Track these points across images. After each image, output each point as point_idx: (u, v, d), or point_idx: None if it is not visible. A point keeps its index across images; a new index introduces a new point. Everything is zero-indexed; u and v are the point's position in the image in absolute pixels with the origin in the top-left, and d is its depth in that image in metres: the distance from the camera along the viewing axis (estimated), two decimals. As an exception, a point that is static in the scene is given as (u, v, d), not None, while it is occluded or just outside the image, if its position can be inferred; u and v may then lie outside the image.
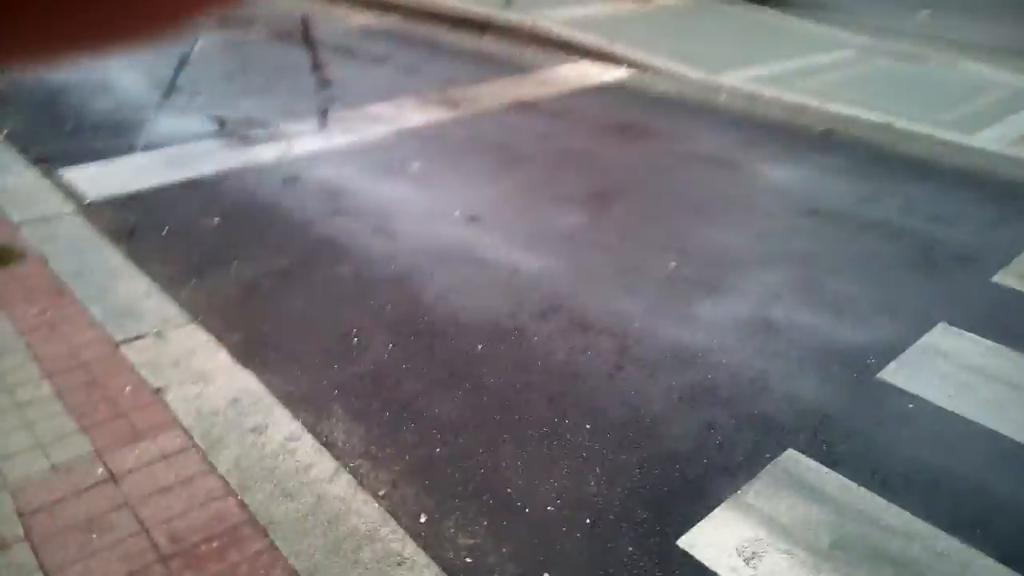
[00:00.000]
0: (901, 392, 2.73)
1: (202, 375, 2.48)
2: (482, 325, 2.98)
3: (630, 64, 6.46)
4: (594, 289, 3.26)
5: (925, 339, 3.02)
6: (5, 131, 4.68)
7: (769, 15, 8.48)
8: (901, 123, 5.29)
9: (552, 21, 7.38)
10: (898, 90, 6.05)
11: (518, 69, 6.48)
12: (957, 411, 2.64)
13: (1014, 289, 3.45)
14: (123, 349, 2.56)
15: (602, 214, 4.04)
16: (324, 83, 6.01)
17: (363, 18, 8.44)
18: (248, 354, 2.70)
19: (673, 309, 3.15)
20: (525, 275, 3.35)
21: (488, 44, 7.33)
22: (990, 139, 5.12)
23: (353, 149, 4.72)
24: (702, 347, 2.91)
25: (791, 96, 5.73)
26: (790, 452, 2.41)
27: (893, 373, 2.83)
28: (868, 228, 3.93)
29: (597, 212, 4.05)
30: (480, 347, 2.85)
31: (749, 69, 6.36)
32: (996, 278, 3.52)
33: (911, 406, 2.67)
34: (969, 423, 2.59)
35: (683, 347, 2.91)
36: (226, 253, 3.46)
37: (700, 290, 3.29)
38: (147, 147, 4.66)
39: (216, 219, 3.78)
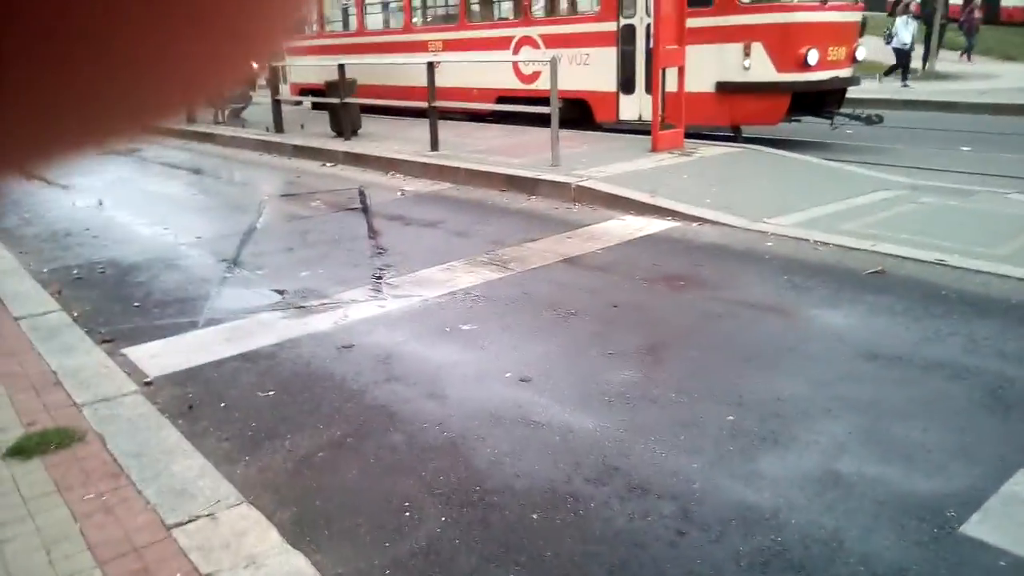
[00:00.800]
0: (989, 548, 2.54)
1: (252, 558, 2.44)
2: (537, 492, 2.91)
3: (674, 215, 6.59)
4: (651, 448, 3.18)
5: (1007, 487, 2.84)
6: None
7: (809, 160, 8.64)
8: (954, 259, 5.22)
9: (596, 178, 7.64)
10: (948, 226, 6.01)
11: (565, 226, 6.65)
12: (1054, 569, 2.43)
13: (1099, 429, 3.25)
14: (175, 532, 2.55)
15: (655, 368, 4.00)
16: (379, 251, 6.26)
17: (416, 185, 8.87)
18: (300, 533, 2.67)
19: (734, 466, 3.04)
20: (579, 436, 3.29)
21: (536, 204, 7.60)
22: (1050, 271, 5.00)
23: (405, 314, 4.83)
24: (768, 507, 2.78)
25: (838, 238, 5.74)
26: (873, 624, 2.23)
27: (977, 526, 2.64)
28: (932, 370, 3.80)
29: (649, 366, 4.02)
30: (535, 516, 2.77)
31: (794, 214, 6.42)
32: (1077, 418, 3.34)
33: (1002, 564, 2.48)
34: (1070, 583, 2.38)
35: (748, 507, 2.78)
36: (280, 425, 3.50)
37: (761, 444, 3.18)
38: (209, 322, 4.84)
39: (271, 391, 3.85)
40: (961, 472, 2.95)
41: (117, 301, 5.33)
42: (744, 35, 9.59)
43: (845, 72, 10.26)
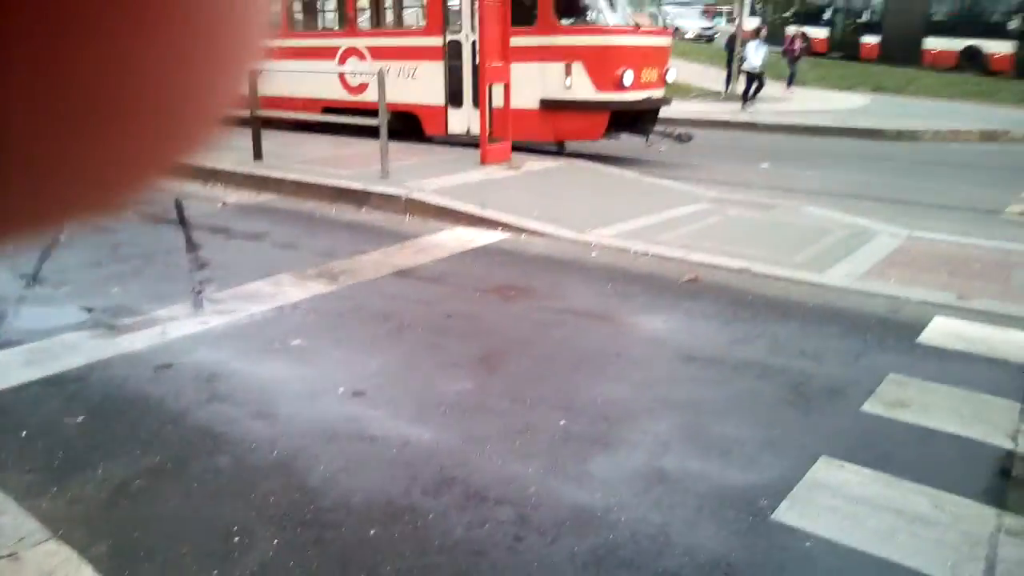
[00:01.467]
0: (797, 532, 2.76)
1: (63, 598, 2.24)
2: (374, 507, 2.86)
3: (504, 227, 6.72)
4: (487, 456, 3.21)
5: (810, 475, 3.11)
6: None
7: (627, 175, 9.10)
8: (758, 267, 5.67)
9: (427, 191, 7.65)
10: (752, 236, 6.52)
11: (396, 238, 6.61)
12: (852, 544, 2.68)
13: (882, 416, 3.63)
14: (-30, 578, 2.29)
15: (488, 378, 4.05)
16: (198, 264, 5.93)
17: (239, 195, 8.50)
18: (118, 567, 2.47)
19: (568, 469, 3.13)
20: (416, 448, 3.27)
21: (366, 216, 7.50)
22: (840, 276, 5.54)
23: (229, 330, 4.61)
24: (600, 506, 2.88)
25: (656, 248, 6.08)
26: (698, 610, 2.37)
27: (786, 512, 2.87)
28: (742, 369, 4.10)
29: (483, 376, 4.06)
30: (373, 531, 2.72)
31: (616, 225, 6.73)
32: (865, 407, 3.71)
33: (808, 544, 2.71)
34: (864, 556, 2.63)
35: (581, 508, 2.87)
36: (92, 454, 3.23)
37: (592, 447, 3.30)
38: (5, 344, 4.39)
39: (81, 417, 3.54)
40: (771, 463, 3.20)
41: None
42: (565, 55, 9.96)
43: (658, 93, 10.90)
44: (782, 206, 7.63)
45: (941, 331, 4.65)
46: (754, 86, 17.85)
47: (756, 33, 18.54)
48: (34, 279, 5.62)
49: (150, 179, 0.27)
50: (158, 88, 0.24)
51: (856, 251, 6.13)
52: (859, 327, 4.71)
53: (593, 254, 6.10)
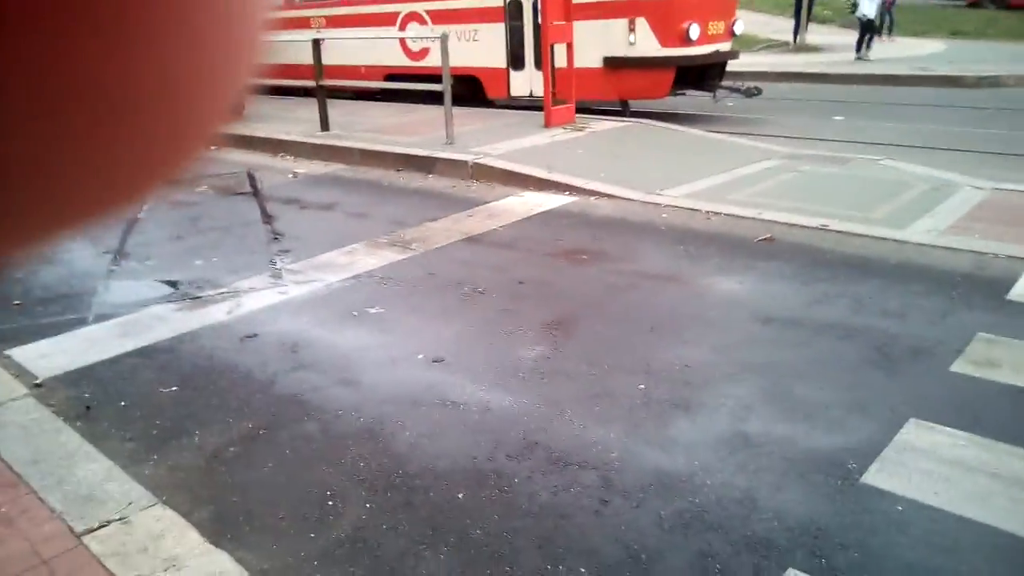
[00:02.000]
0: (887, 495, 2.72)
1: (173, 560, 2.35)
2: (460, 472, 2.92)
3: (572, 190, 6.68)
4: (568, 421, 3.24)
5: (899, 437, 3.05)
6: None
7: (695, 132, 8.92)
8: (835, 224, 5.52)
9: (492, 156, 7.64)
10: (827, 193, 6.34)
11: (465, 204, 6.64)
12: (945, 508, 2.63)
13: (973, 376, 3.53)
14: (86, 540, 2.42)
15: (564, 342, 4.07)
16: (274, 236, 6.07)
17: (308, 167, 8.64)
18: (220, 531, 2.58)
19: (649, 434, 3.13)
20: (497, 414, 3.31)
21: (434, 183, 7.54)
22: (921, 231, 5.36)
23: (309, 299, 4.72)
24: (684, 471, 2.88)
25: (728, 208, 5.96)
26: (791, 572, 2.36)
27: (876, 475, 2.83)
28: (823, 331, 4.02)
29: (559, 340, 4.08)
30: (460, 495, 2.78)
31: (685, 186, 6.62)
32: (954, 367, 3.60)
33: (900, 508, 2.66)
34: (959, 519, 2.58)
35: (665, 473, 2.87)
36: (187, 422, 3.37)
37: (673, 411, 3.29)
38: (99, 318, 4.58)
39: (174, 387, 3.69)
40: (858, 426, 3.14)
41: (-9, 301, 4.98)
42: (628, 11, 9.76)
43: (725, 46, 10.61)
44: (858, 160, 7.39)
45: (1032, 287, 4.47)
46: (868, 35, 17.08)
47: None
48: (119, 254, 5.83)
49: (162, 178, 0.26)
50: (165, 84, 0.23)
51: (938, 205, 5.91)
52: (944, 284, 4.56)
53: (663, 215, 6.02)
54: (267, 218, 6.64)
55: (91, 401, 3.56)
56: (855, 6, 17.36)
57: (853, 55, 17.09)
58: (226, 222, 6.57)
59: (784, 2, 21.77)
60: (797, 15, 19.41)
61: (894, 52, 17.79)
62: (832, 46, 19.32)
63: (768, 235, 5.45)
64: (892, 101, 12.23)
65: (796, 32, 19.43)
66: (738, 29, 10.89)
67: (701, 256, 5.20)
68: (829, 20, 23.25)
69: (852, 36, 21.31)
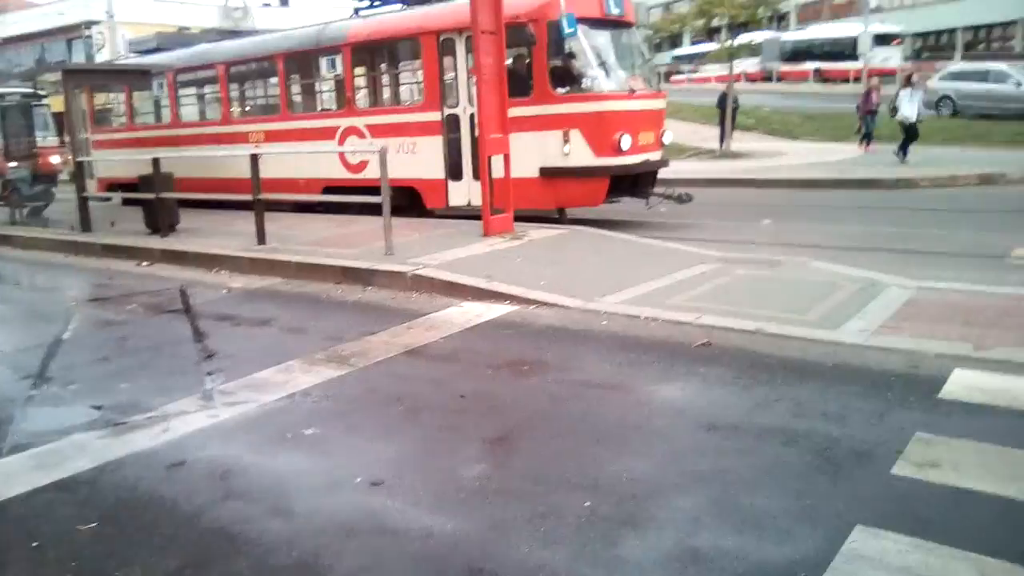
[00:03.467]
0: (840, 611, 2.65)
1: None
2: (400, 607, 2.75)
3: (512, 300, 6.70)
4: (513, 544, 3.11)
5: (847, 546, 3.00)
6: None
7: (631, 239, 9.12)
8: (771, 327, 5.61)
9: (432, 266, 7.66)
10: (761, 295, 6.48)
11: (404, 317, 6.58)
12: (899, 623, 2.57)
13: (914, 478, 3.53)
14: None
15: (508, 458, 3.97)
16: (206, 355, 5.89)
17: (244, 281, 8.52)
18: None
19: (597, 554, 3.02)
20: (439, 540, 3.17)
21: (373, 295, 7.49)
22: (854, 332, 5.48)
23: (241, 422, 4.54)
24: (634, 594, 2.77)
25: (667, 313, 6.03)
26: None
27: (827, 589, 2.76)
28: (766, 436, 4.01)
29: (502, 457, 3.97)
30: (401, 634, 2.61)
31: (623, 292, 6.70)
32: (895, 470, 3.60)
33: (853, 624, 2.59)
34: (914, 636, 2.51)
35: (615, 597, 2.75)
36: (107, 562, 3.13)
37: (620, 528, 3.20)
38: (14, 449, 4.33)
39: (94, 523, 3.45)
40: (806, 535, 3.09)
41: None
42: (562, 123, 10.10)
43: (656, 155, 11.02)
44: (788, 262, 7.61)
45: (962, 384, 4.56)
46: (909, 139, 16.80)
47: (908, 81, 17.73)
48: (41, 378, 5.58)
49: None
50: None
51: (867, 305, 6.07)
52: (879, 385, 4.62)
53: (603, 322, 6.05)
54: (199, 336, 6.46)
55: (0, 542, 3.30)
56: (895, 109, 17.22)
57: (763, 162, 17.77)
58: (156, 341, 6.37)
59: (709, 112, 22.86)
60: (722, 124, 20.38)
61: (814, 157, 18.72)
62: (755, 152, 20.27)
63: (707, 340, 5.50)
64: (814, 204, 12.78)
65: (722, 140, 20.36)
66: (667, 139, 11.36)
67: (642, 363, 5.20)
68: (752, 128, 24.46)
69: (774, 143, 22.42)
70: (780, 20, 51.99)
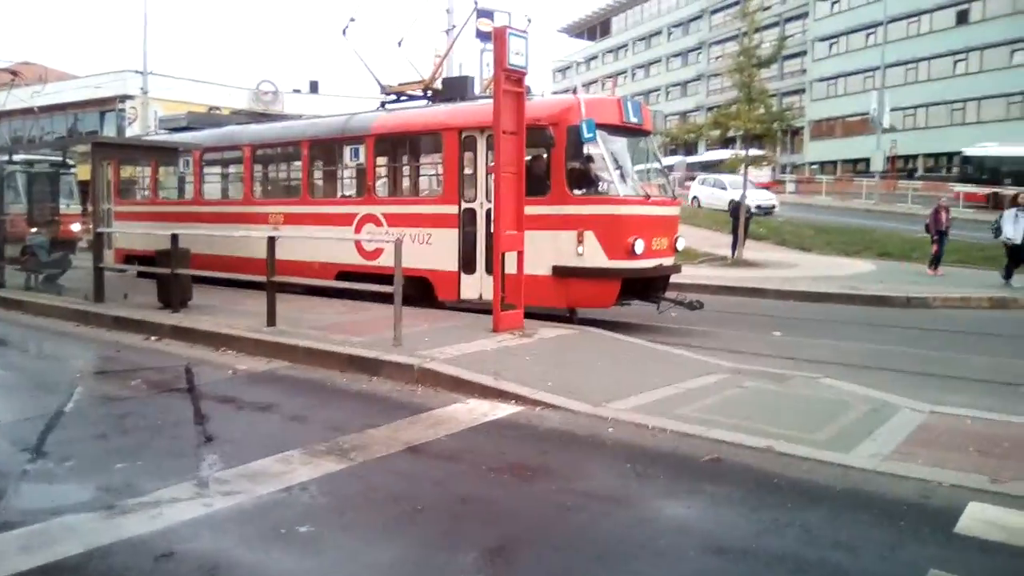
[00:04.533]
0: None
1: None
2: None
3: (518, 400, 6.62)
4: (507, 669, 2.96)
5: None
6: None
7: (641, 343, 9.08)
8: (781, 446, 5.50)
9: (439, 360, 7.61)
10: (771, 411, 6.38)
11: (409, 410, 6.50)
12: None
13: (930, 621, 3.38)
14: None
15: (506, 571, 3.83)
16: (206, 438, 5.81)
17: (250, 363, 8.47)
18: None
19: None
20: (430, 658, 3.02)
21: (378, 386, 7.42)
22: (865, 456, 5.36)
23: (235, 514, 4.42)
24: None
25: (675, 424, 5.93)
26: None
27: None
28: (775, 564, 3.87)
29: (501, 568, 3.84)
30: None
31: (632, 398, 6.62)
32: (910, 610, 3.46)
33: None
34: None
35: None
36: (81, 661, 2.99)
37: (620, 658, 3.05)
38: (3, 526, 4.21)
39: (73, 616, 3.32)
40: None
41: None
42: (578, 224, 10.22)
43: (668, 260, 11.09)
44: (798, 377, 7.53)
45: (978, 519, 4.42)
46: (1015, 262, 16.35)
47: (1014, 201, 17.30)
48: (38, 453, 5.49)
49: None
50: None
51: (879, 428, 5.97)
52: (892, 514, 4.48)
53: (610, 430, 5.95)
54: (200, 418, 6.38)
55: (-27, 633, 3.17)
56: (998, 230, 16.84)
57: (777, 272, 17.72)
58: (156, 421, 6.29)
59: (722, 219, 23.19)
60: (735, 232, 20.59)
61: (826, 269, 18.82)
62: (767, 262, 20.40)
63: (715, 455, 5.39)
64: (825, 318, 12.76)
65: (734, 248, 20.53)
66: (680, 245, 11.45)
67: (649, 476, 5.08)
68: (764, 238, 24.72)
69: (786, 253, 22.60)
70: (794, 135, 53.38)
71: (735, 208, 20.93)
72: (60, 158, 16.90)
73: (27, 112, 29.28)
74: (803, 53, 59.27)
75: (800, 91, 59.84)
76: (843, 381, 7.39)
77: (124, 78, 36.81)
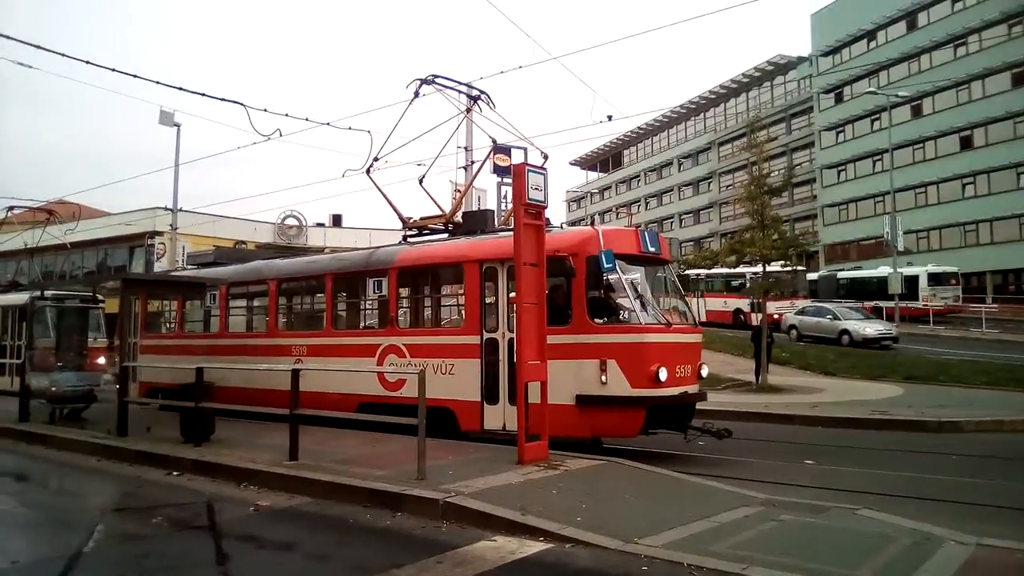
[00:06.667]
0: None
1: None
2: None
3: (547, 536, 6.42)
4: None
5: None
6: None
7: (671, 475, 8.86)
8: (824, 584, 5.26)
9: (464, 494, 7.45)
10: (811, 546, 6.13)
11: (434, 548, 6.30)
12: None
13: None
14: None
15: None
16: (227, 581, 5.64)
17: (272, 498, 8.34)
18: None
19: None
20: None
21: (402, 522, 7.24)
22: (914, 596, 5.10)
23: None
24: None
25: (712, 562, 5.69)
26: None
27: None
28: None
29: None
30: None
31: (664, 534, 6.39)
32: None
33: None
34: None
35: None
36: None
37: None
38: None
39: None
40: None
41: None
42: (600, 353, 10.21)
43: (693, 388, 10.97)
44: (836, 509, 7.28)
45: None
46: None
47: None
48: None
49: None
50: None
51: (924, 564, 5.71)
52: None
53: (644, 568, 5.72)
54: (220, 559, 6.22)
55: None
56: None
57: (804, 397, 17.30)
58: (176, 562, 6.13)
59: (743, 343, 23.09)
60: (757, 356, 20.45)
61: (853, 394, 18.52)
62: (792, 387, 20.14)
63: (755, 595, 5.15)
64: (856, 445, 12.44)
65: (757, 373, 20.33)
66: (704, 372, 11.36)
67: (686, 619, 4.85)
68: (787, 362, 24.50)
69: (810, 378, 22.30)
70: (809, 259, 53.82)
71: (756, 333, 20.86)
72: (90, 293, 17.29)
73: (59, 248, 30.27)
74: (812, 180, 60.63)
75: (812, 216, 60.81)
76: (882, 512, 7.13)
77: (154, 215, 38.14)
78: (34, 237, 23.49)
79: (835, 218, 58.86)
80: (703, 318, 29.29)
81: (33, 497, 9.49)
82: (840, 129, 58.39)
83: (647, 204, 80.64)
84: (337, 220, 50.43)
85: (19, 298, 20.59)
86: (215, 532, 7.06)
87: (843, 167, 58.15)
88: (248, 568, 5.98)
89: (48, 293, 17.17)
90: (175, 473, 9.89)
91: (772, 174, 22.67)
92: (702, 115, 74.34)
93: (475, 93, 13.85)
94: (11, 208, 24.14)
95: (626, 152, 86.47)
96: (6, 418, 14.50)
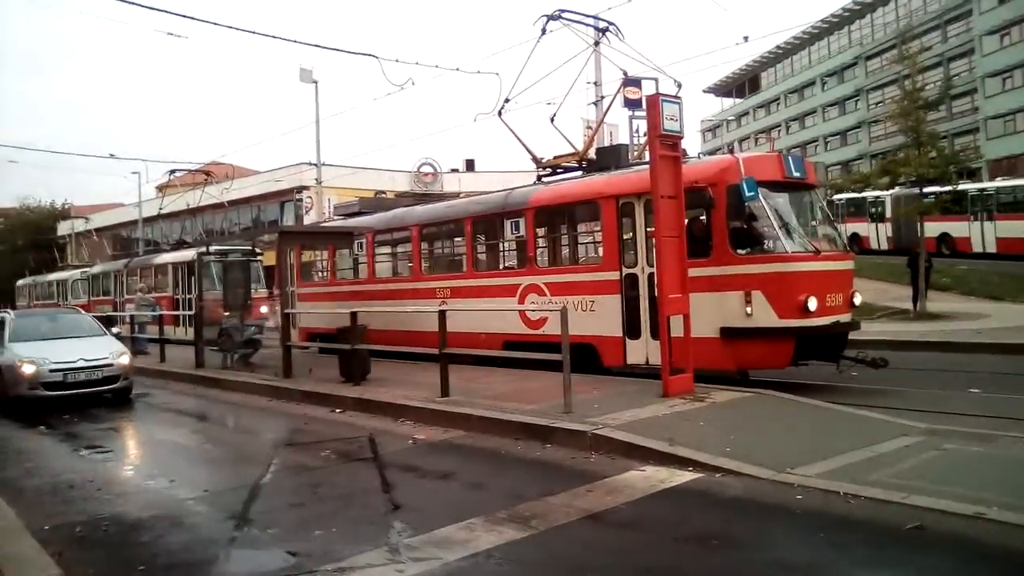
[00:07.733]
0: None
1: None
2: None
3: (696, 466, 6.45)
4: None
5: None
6: None
7: (822, 405, 8.63)
8: (993, 512, 5.03)
9: (611, 426, 7.58)
10: (978, 475, 5.87)
11: (584, 478, 6.48)
12: None
13: None
14: None
15: (701, 645, 3.70)
16: (393, 506, 6.03)
17: (428, 432, 8.78)
18: None
19: None
20: None
21: (552, 453, 7.47)
22: (1097, 524, 4.80)
23: (426, 580, 4.55)
24: None
25: (869, 490, 5.57)
26: None
27: None
28: (1003, 645, 3.52)
29: (695, 642, 3.71)
30: None
31: (818, 463, 6.29)
32: None
33: None
34: None
35: None
36: None
37: None
38: (217, 590, 4.54)
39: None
40: None
41: (120, 564, 5.05)
42: (744, 284, 9.98)
43: (845, 317, 10.54)
44: (1005, 438, 6.89)
45: None
46: None
47: None
48: (243, 521, 5.90)
49: None
50: None
51: (1111, 493, 5.34)
52: None
53: (798, 496, 5.67)
54: (386, 487, 6.66)
55: None
56: None
57: (966, 324, 16.10)
58: (346, 490, 6.62)
59: (899, 270, 21.81)
60: (914, 283, 19.33)
61: (1020, 319, 17.20)
62: (954, 314, 18.94)
63: (918, 523, 5.00)
64: (1029, 371, 11.62)
65: (915, 300, 19.24)
66: (857, 300, 10.88)
67: (845, 546, 4.79)
68: (948, 288, 22.98)
69: (974, 304, 20.83)
70: (971, 176, 49.82)
71: (912, 259, 19.67)
72: (249, 247, 18.46)
73: (218, 207, 32.32)
74: (973, 91, 55.66)
75: (973, 130, 56.00)
76: (1059, 441, 6.70)
77: (300, 170, 39.95)
78: (195, 198, 25.21)
79: (1000, 130, 53.94)
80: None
81: (214, 434, 10.43)
82: (1005, 32, 52.97)
83: (788, 128, 76.65)
84: (470, 165, 51.01)
85: (187, 255, 22.27)
86: (379, 463, 7.53)
87: (1009, 74, 52.91)
88: (412, 495, 6.36)
89: (212, 248, 18.46)
90: (338, 411, 10.58)
91: (927, 87, 21.00)
92: (846, 28, 69.32)
93: (603, 25, 13.55)
94: (172, 171, 25.91)
95: (764, 75, 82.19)
96: (185, 365, 15.91)
